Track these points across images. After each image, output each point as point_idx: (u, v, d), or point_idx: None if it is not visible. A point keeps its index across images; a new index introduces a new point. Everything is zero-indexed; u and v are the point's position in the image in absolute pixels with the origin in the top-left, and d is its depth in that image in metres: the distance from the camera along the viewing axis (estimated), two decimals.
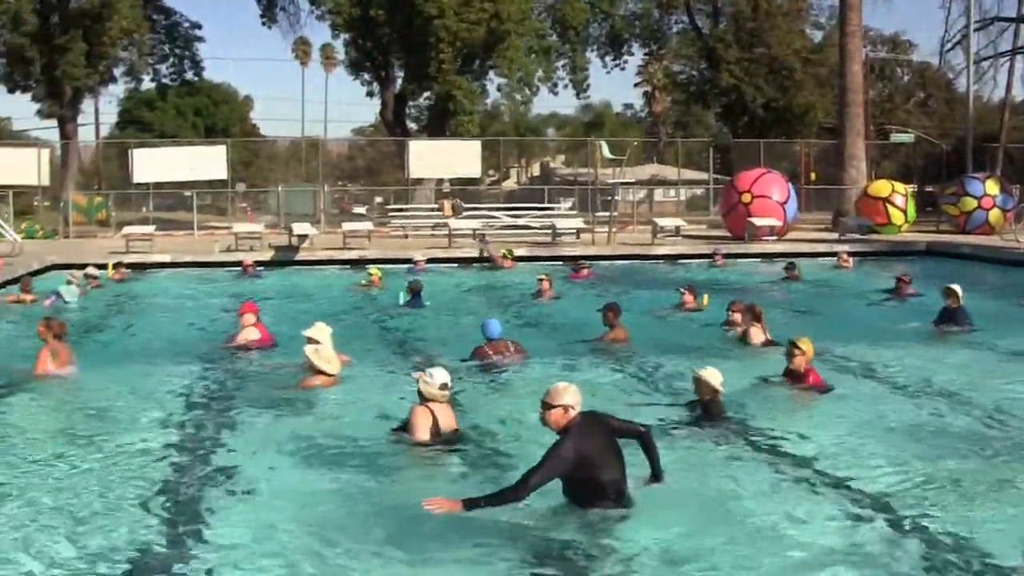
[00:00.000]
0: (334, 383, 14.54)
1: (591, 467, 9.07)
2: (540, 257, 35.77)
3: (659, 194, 75.22)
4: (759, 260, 35.71)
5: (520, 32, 60.72)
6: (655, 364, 16.83)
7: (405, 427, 11.65)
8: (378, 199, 69.33)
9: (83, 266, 29.47)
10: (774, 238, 39.33)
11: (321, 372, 14.39)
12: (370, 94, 68.00)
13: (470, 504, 8.98)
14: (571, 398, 9.25)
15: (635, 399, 14.29)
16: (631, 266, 34.82)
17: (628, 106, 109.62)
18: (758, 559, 8.51)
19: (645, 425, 10.12)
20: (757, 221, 39.49)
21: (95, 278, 28.30)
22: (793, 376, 14.24)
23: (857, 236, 41.35)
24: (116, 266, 31.30)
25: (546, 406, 9.30)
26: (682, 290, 23.32)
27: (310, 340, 15.11)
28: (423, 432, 11.40)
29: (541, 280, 25.90)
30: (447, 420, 11.60)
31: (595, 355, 17.63)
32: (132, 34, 65.88)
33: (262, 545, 8.79)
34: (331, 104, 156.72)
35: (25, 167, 48.86)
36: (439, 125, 61.99)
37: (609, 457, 9.20)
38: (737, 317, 18.96)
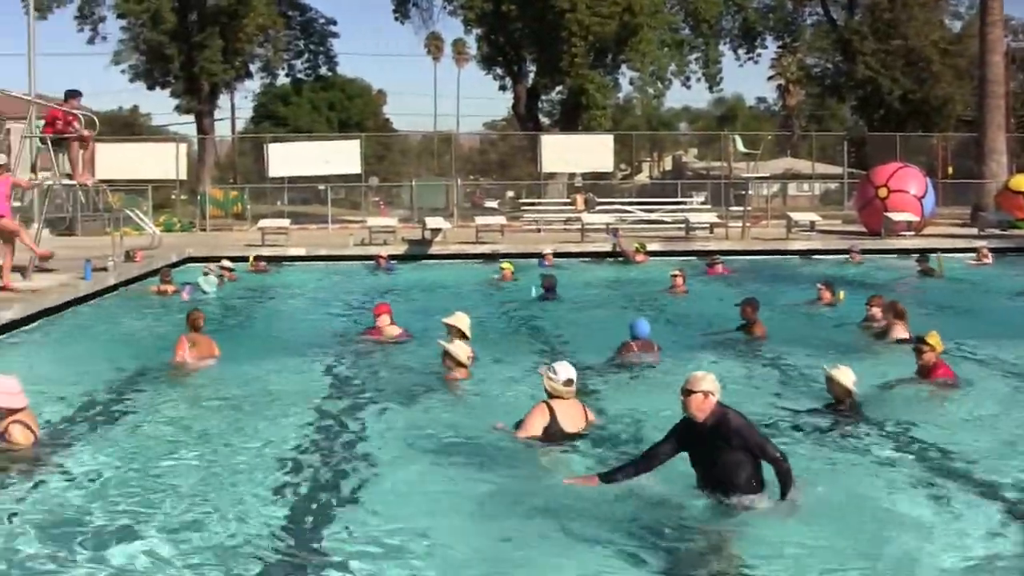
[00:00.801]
0: (466, 376, 14.56)
1: None
2: (673, 252, 35.50)
3: (792, 188, 74.54)
4: (895, 256, 35.08)
5: (652, 25, 60.44)
6: (793, 360, 16.61)
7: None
8: (510, 193, 69.44)
9: (218, 259, 29.90)
10: (911, 233, 38.61)
11: (457, 362, 14.40)
12: (502, 88, 68.24)
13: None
14: (710, 385, 9.25)
15: (772, 395, 14.14)
16: (765, 261, 34.42)
17: (761, 100, 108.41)
18: (895, 565, 8.34)
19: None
20: (894, 216, 38.84)
21: (230, 270, 28.72)
22: (924, 372, 14.01)
23: (997, 231, 40.55)
24: (255, 259, 31.75)
25: (686, 392, 9.28)
26: (819, 286, 23.05)
27: (449, 327, 15.22)
28: (530, 430, 11.32)
29: (674, 275, 25.76)
30: (572, 416, 11.46)
31: (732, 351, 17.48)
32: (268, 30, 66.88)
33: (392, 536, 8.80)
34: (463, 98, 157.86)
35: (164, 162, 49.87)
36: (571, 119, 61.99)
37: None
38: (876, 312, 18.63)
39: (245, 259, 32.02)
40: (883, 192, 40.16)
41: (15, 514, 9.23)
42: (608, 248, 35.61)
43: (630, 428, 12.18)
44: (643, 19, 58.55)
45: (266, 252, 33.74)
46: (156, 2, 64.59)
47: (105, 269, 26.28)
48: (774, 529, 8.81)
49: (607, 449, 11.31)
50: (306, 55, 74.67)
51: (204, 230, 48.94)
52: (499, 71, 67.13)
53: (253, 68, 73.34)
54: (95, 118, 27.01)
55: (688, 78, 68.14)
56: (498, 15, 60.93)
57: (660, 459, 9.62)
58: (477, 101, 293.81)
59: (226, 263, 29.02)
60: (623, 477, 9.66)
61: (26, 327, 20.08)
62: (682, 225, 41.56)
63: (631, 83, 66.88)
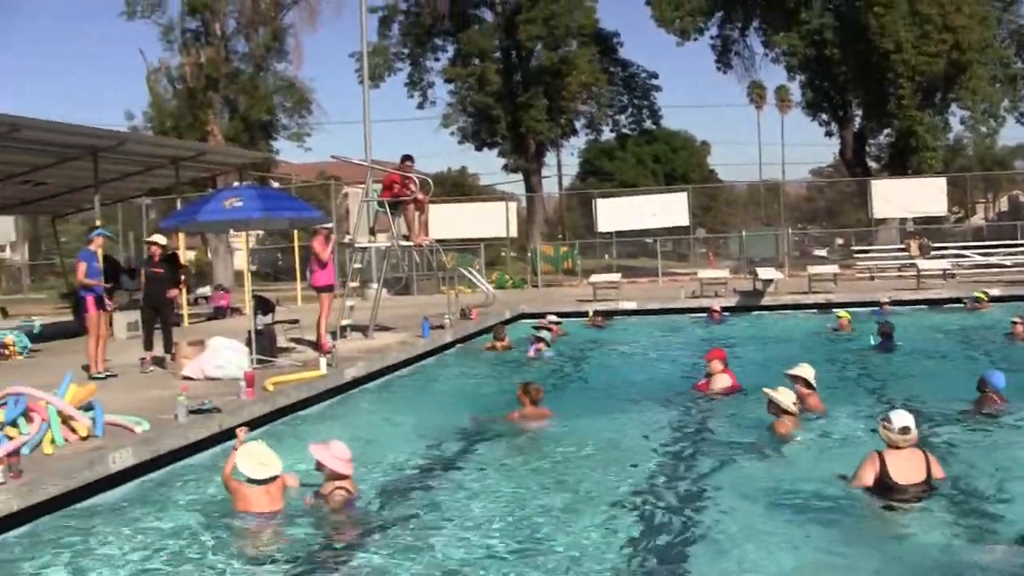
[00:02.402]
0: (795, 425, 14.28)
1: None
2: (1016, 297, 34.14)
3: None
4: None
5: (983, 61, 58.70)
6: None
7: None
8: (839, 241, 68.40)
9: (544, 315, 30.18)
10: None
11: (781, 409, 14.20)
12: (828, 134, 67.42)
13: None
14: None
15: None
16: None
17: None
18: None
19: None
20: None
21: (558, 324, 28.89)
22: None
23: None
24: (594, 314, 32.13)
25: None
26: None
27: (793, 378, 15.15)
28: (861, 480, 11.01)
29: (1015, 323, 24.77)
30: (908, 467, 10.98)
31: None
32: (591, 87, 67.75)
33: None
34: (787, 145, 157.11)
35: (494, 220, 51.16)
36: (900, 162, 60.66)
37: None
38: None
39: (574, 315, 32.41)
40: None
41: None
42: (945, 294, 34.69)
43: (982, 485, 11.69)
44: (972, 55, 56.95)
45: (598, 306, 33.97)
46: (482, 66, 66.56)
47: (442, 327, 26.94)
48: None
49: (954, 508, 10.84)
50: (630, 110, 75.49)
51: (536, 286, 49.79)
52: (824, 116, 66.38)
53: (578, 125, 74.65)
54: (429, 181, 27.79)
55: (1023, 114, 65.75)
56: (821, 60, 60.37)
57: None
58: (802, 148, 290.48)
59: (552, 318, 29.25)
60: None
61: (368, 384, 20.71)
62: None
63: (962, 122, 65.06)
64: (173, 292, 22.07)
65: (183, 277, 25.45)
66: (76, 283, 20.86)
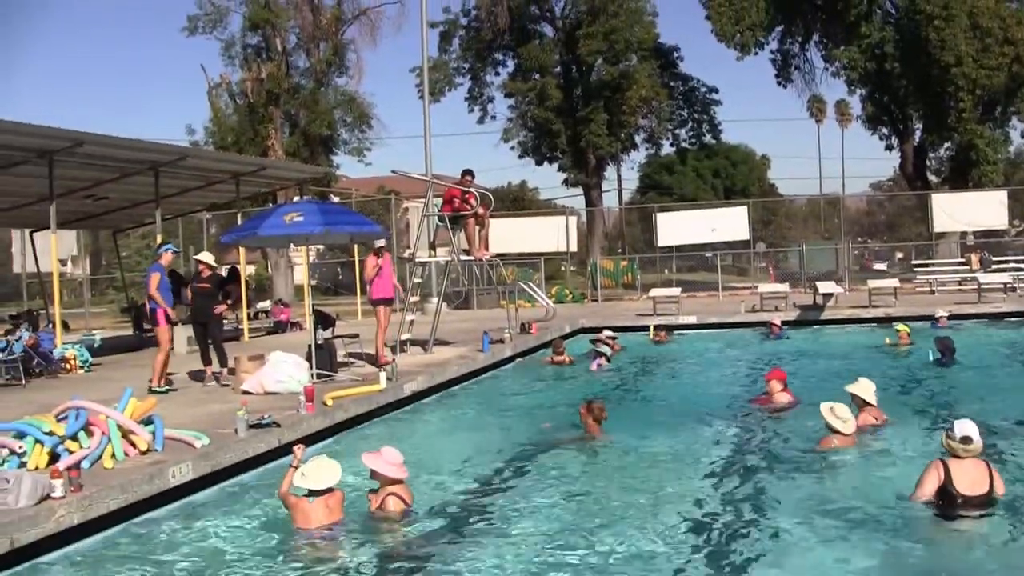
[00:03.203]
0: (850, 443, 14.14)
1: None
2: None
3: None
4: None
5: None
6: None
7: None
8: (899, 254, 67.96)
9: (600, 330, 30.09)
10: None
11: (836, 431, 14.08)
12: (888, 148, 66.85)
13: None
14: None
15: None
16: None
17: None
18: None
19: None
20: None
21: (614, 339, 28.80)
22: None
23: None
24: (657, 328, 32.08)
25: None
26: None
27: (853, 396, 15.08)
28: (923, 489, 10.88)
29: None
30: (970, 478, 10.80)
31: None
32: (651, 102, 67.69)
33: None
34: (847, 160, 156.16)
35: (554, 234, 51.17)
36: (960, 175, 60.19)
37: None
38: None
39: (634, 329, 32.36)
40: None
41: None
42: (1006, 308, 34.37)
43: None
44: None
45: (657, 321, 33.90)
46: (542, 80, 66.73)
47: (502, 341, 26.94)
48: None
49: (1015, 523, 10.64)
50: (690, 124, 75.42)
51: (595, 300, 49.78)
52: (884, 130, 65.98)
53: (638, 139, 74.69)
54: (490, 195, 27.82)
55: None
56: (881, 74, 60.03)
57: None
58: (862, 161, 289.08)
59: (608, 333, 29.12)
60: None
61: (427, 399, 20.76)
62: None
63: (1022, 135, 64.52)
64: (220, 307, 22.23)
65: (231, 292, 25.59)
66: (147, 294, 21.00)
